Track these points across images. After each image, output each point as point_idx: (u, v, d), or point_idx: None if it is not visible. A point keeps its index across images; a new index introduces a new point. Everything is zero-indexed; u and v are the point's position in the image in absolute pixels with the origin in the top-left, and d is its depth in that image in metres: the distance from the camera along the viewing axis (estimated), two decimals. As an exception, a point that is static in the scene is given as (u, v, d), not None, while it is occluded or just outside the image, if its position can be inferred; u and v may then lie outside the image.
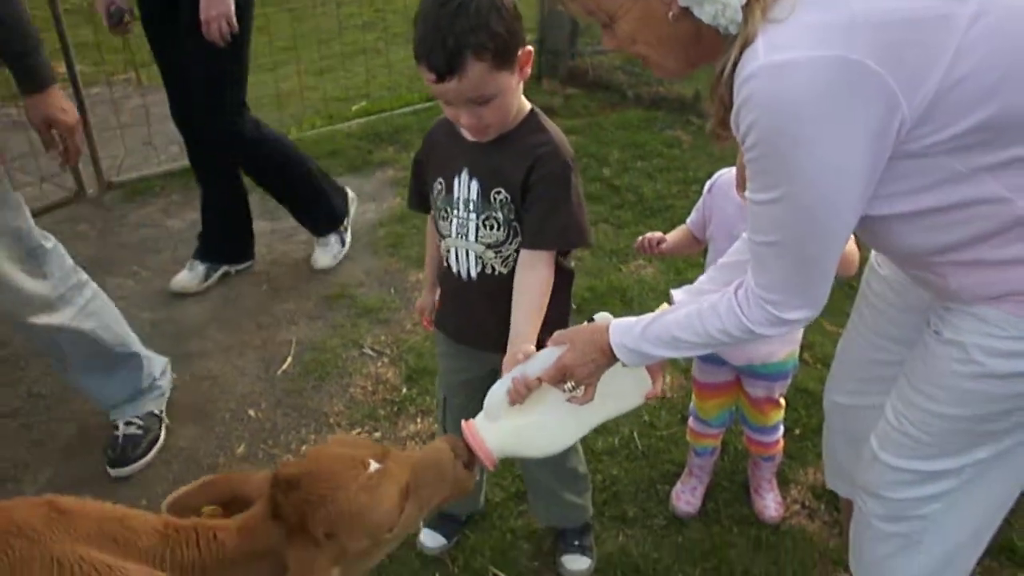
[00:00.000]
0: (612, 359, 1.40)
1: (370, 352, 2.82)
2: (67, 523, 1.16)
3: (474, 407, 1.49)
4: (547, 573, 2.06)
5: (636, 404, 1.54)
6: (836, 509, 2.17)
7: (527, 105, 1.61)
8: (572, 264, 1.76)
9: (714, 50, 1.17)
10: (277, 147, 3.12)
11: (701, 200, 2.01)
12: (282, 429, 2.52)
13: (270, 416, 2.57)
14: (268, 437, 2.49)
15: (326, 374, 2.73)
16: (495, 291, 1.65)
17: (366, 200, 3.81)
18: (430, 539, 2.11)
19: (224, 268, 3.22)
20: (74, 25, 3.59)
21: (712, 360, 2.07)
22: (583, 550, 2.05)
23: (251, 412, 2.59)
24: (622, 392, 1.51)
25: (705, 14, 1.11)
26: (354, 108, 4.72)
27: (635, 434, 2.44)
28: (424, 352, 2.79)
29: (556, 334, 1.48)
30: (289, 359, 2.81)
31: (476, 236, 1.65)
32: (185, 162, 3.57)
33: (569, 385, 1.45)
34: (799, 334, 2.04)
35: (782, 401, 2.13)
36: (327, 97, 4.82)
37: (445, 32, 1.38)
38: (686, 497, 2.21)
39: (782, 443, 2.19)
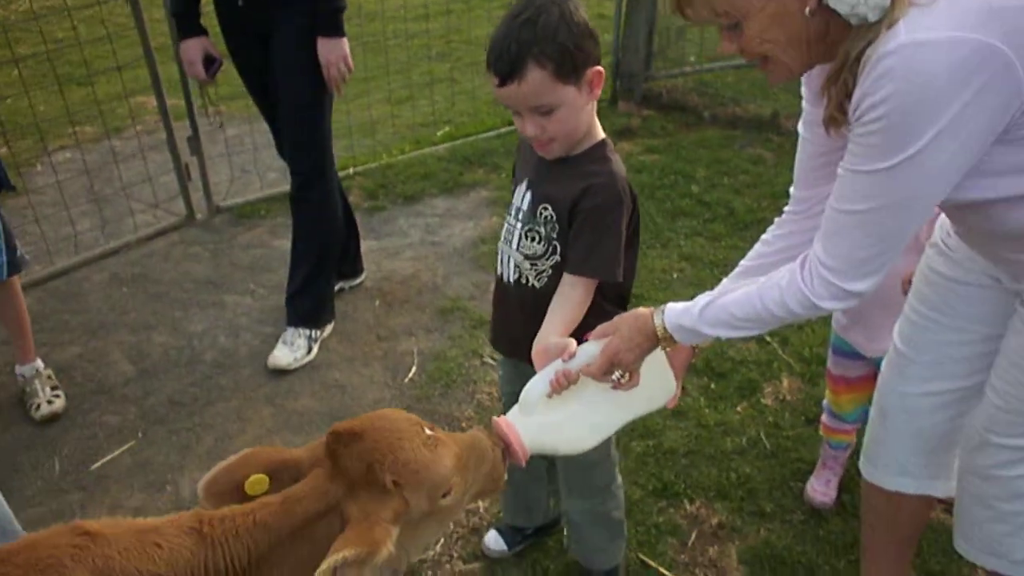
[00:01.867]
0: (656, 343, 1.45)
1: (491, 361, 2.92)
2: (98, 548, 1.10)
3: None
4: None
5: (660, 405, 1.61)
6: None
7: (600, 134, 1.65)
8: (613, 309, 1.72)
9: (835, 46, 1.22)
10: (336, 213, 3.10)
11: None
12: (416, 433, 2.62)
13: (403, 421, 2.68)
14: (404, 440, 2.59)
15: (452, 382, 2.84)
16: (528, 302, 1.71)
17: (463, 219, 3.95)
18: (493, 542, 2.18)
19: (339, 285, 3.35)
20: (162, 62, 3.80)
21: (846, 353, 2.12)
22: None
23: (385, 417, 2.70)
24: (649, 394, 1.58)
25: (844, 5, 1.15)
26: (439, 133, 4.87)
27: (762, 434, 2.51)
28: (543, 360, 2.88)
29: (599, 327, 1.52)
30: (414, 368, 2.92)
31: (518, 245, 1.71)
32: (285, 187, 3.73)
33: (617, 374, 1.50)
34: None
35: None
36: (413, 123, 4.99)
37: (511, 39, 1.47)
38: (821, 489, 2.27)
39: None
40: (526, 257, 1.70)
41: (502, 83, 1.50)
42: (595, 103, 1.61)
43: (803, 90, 1.47)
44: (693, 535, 2.20)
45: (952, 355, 1.60)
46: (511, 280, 1.74)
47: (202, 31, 2.85)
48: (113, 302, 3.40)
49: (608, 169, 1.62)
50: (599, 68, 1.56)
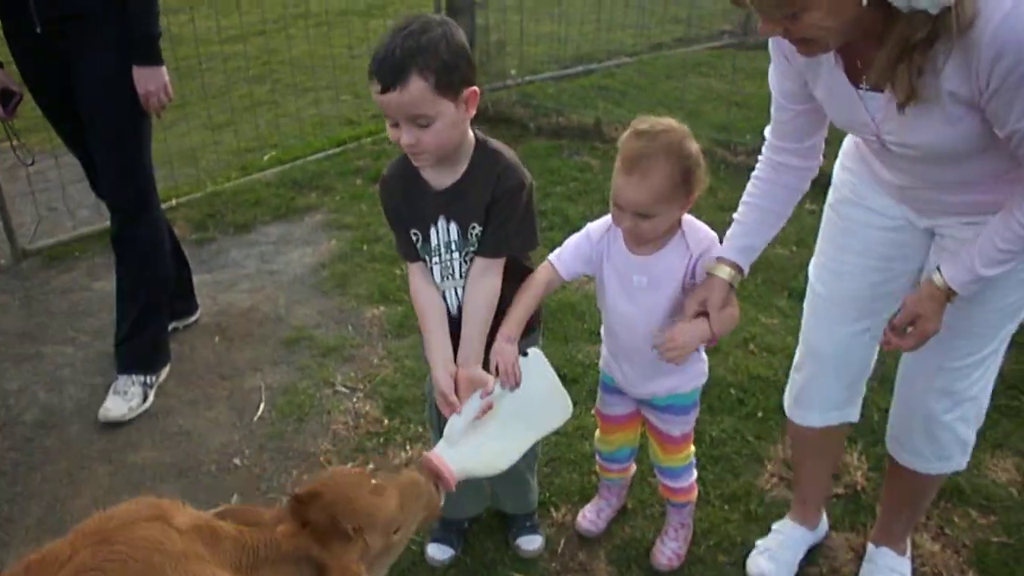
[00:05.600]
0: (947, 299, 1.62)
1: (343, 389, 2.85)
2: (187, 539, 1.27)
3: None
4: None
5: (561, 422, 1.86)
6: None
7: (473, 136, 1.77)
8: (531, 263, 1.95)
9: (871, 28, 1.37)
10: (165, 248, 2.93)
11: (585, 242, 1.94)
12: (272, 473, 2.52)
13: (257, 462, 2.56)
14: (260, 483, 2.48)
15: (304, 415, 2.74)
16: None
17: (300, 245, 3.84)
18: (439, 552, 2.19)
19: (172, 325, 3.16)
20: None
21: (611, 390, 2.07)
22: (535, 529, 2.24)
23: (236, 461, 2.57)
24: (549, 413, 1.84)
25: (902, 2, 1.28)
26: (266, 158, 4.71)
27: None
28: (398, 384, 2.85)
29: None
30: (262, 405, 2.80)
31: (463, 273, 1.80)
32: (102, 224, 3.48)
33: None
34: (704, 367, 2.00)
35: (691, 442, 2.09)
36: (237, 149, 4.79)
37: (395, 48, 1.56)
38: (591, 518, 2.26)
39: (696, 490, 2.16)
40: None
41: (384, 90, 1.57)
42: (469, 121, 1.71)
43: (775, 59, 1.67)
44: (562, 542, 2.24)
45: (877, 293, 1.84)
46: (458, 312, 1.83)
47: None
48: (-93, 366, 3.05)
49: (504, 159, 1.76)
50: (475, 88, 1.66)
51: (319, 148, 4.83)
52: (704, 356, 1.99)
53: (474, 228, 1.75)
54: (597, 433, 2.21)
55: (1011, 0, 1.28)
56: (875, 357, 1.96)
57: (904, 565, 2.10)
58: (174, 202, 4.15)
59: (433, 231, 1.78)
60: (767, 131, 1.81)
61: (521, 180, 1.75)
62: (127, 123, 2.65)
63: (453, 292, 1.83)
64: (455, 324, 1.83)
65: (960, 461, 1.91)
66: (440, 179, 1.77)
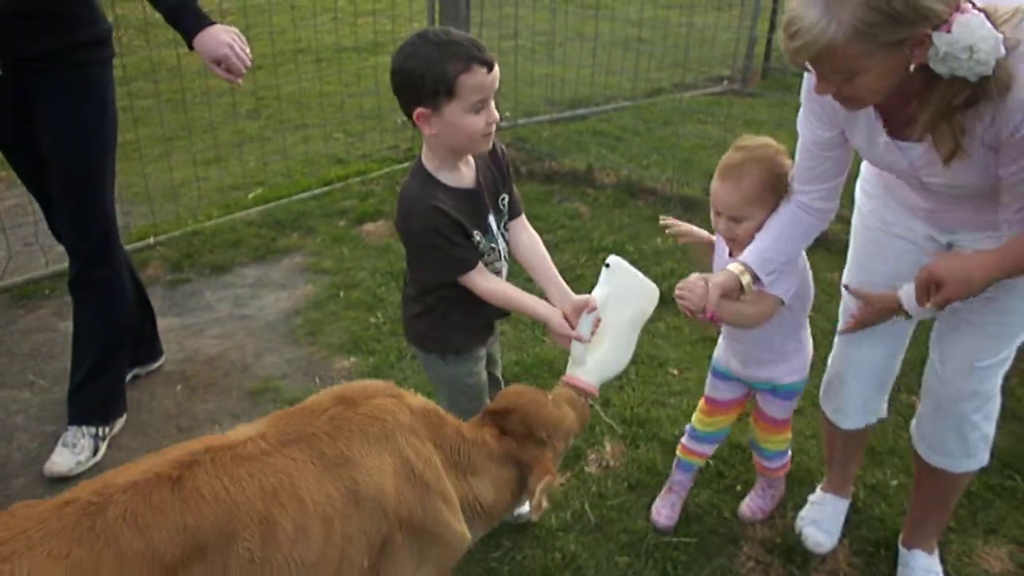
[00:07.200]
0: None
1: (304, 446, 2.72)
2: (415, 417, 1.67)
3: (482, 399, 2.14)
4: None
5: (654, 306, 2.06)
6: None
7: None
8: None
9: (907, 87, 1.52)
10: (126, 295, 2.79)
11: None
12: (220, 537, 2.38)
13: (205, 525, 2.42)
14: (206, 548, 2.34)
15: (260, 474, 2.61)
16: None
17: (276, 289, 3.73)
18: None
19: (134, 371, 3.05)
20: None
21: (722, 376, 2.31)
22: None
23: (184, 522, 2.43)
24: (642, 304, 2.05)
25: (944, 68, 1.44)
26: (251, 196, 4.62)
27: (586, 506, 2.46)
28: (361, 441, 2.72)
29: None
30: (218, 461, 2.67)
31: (505, 242, 2.08)
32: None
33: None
34: (802, 365, 2.21)
35: (790, 427, 2.35)
36: (222, 186, 4.71)
37: (470, 40, 1.81)
38: (666, 512, 2.39)
39: (788, 466, 2.43)
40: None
41: (491, 68, 1.81)
42: None
43: (810, 109, 1.81)
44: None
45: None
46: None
47: None
48: None
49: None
50: None
51: (305, 187, 4.74)
52: (803, 357, 2.20)
53: (504, 199, 2.05)
54: (696, 415, 2.39)
55: None
56: (900, 359, 2.14)
57: (936, 564, 2.22)
58: (152, 240, 4.06)
59: (491, 219, 2.01)
60: (790, 177, 1.96)
61: (502, 145, 2.08)
62: (88, 167, 2.55)
63: (504, 263, 2.09)
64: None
65: (984, 457, 2.04)
66: (465, 178, 1.97)
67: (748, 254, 1.93)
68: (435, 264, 1.95)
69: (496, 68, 1.83)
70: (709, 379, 2.36)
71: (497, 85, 1.84)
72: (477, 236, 1.96)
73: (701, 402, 2.39)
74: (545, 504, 1.79)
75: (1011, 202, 1.61)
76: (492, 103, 1.85)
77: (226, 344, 3.32)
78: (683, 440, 2.43)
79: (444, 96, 1.78)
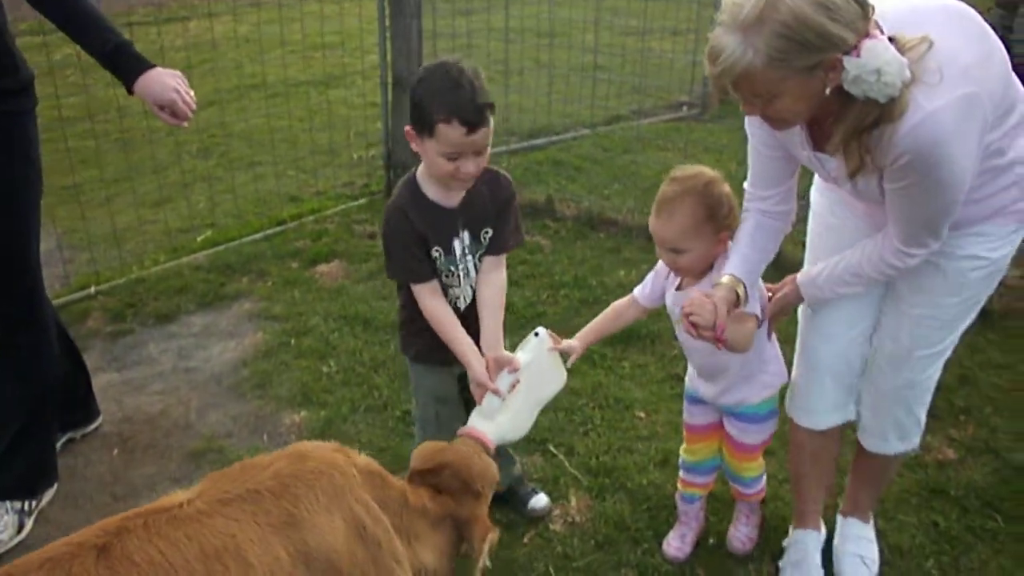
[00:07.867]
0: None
1: (249, 512, 2.55)
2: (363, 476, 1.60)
3: (454, 412, 2.21)
4: None
5: (560, 388, 2.13)
6: None
7: None
8: None
9: (828, 107, 1.60)
10: (53, 357, 2.60)
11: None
12: (156, 620, 2.19)
13: (139, 606, 2.24)
14: (140, 632, 2.16)
15: (201, 545, 2.43)
16: (474, 313, 2.10)
17: (223, 338, 3.56)
18: (540, 501, 2.50)
19: (68, 435, 2.85)
20: None
21: (695, 400, 2.29)
22: (535, 491, 2.52)
23: (116, 604, 2.24)
24: (553, 383, 2.12)
25: (858, 90, 1.52)
26: (199, 239, 4.45)
27: (551, 568, 2.31)
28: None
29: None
30: (155, 533, 2.48)
31: (475, 272, 2.09)
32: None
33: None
34: (772, 380, 2.20)
35: (761, 453, 2.31)
36: (169, 229, 4.52)
37: (473, 94, 1.83)
38: (676, 544, 2.35)
39: (764, 491, 2.39)
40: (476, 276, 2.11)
41: (471, 131, 1.84)
42: None
43: (752, 120, 1.87)
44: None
45: (871, 297, 2.03)
46: (466, 309, 2.11)
47: None
48: None
49: (495, 172, 2.08)
50: None
51: (257, 228, 4.57)
52: (775, 369, 2.17)
53: (487, 232, 2.06)
54: (683, 446, 2.38)
55: (935, 103, 1.53)
56: (867, 356, 2.12)
57: (870, 531, 2.34)
58: (92, 290, 3.86)
59: (456, 242, 2.03)
60: (746, 184, 2.01)
61: (512, 188, 2.10)
62: (11, 230, 2.37)
63: (463, 296, 2.10)
64: (463, 319, 2.07)
65: (916, 441, 2.15)
66: (450, 198, 2.02)
67: (732, 266, 1.96)
68: (389, 263, 2.10)
69: (483, 129, 1.85)
70: (685, 405, 2.35)
71: (484, 143, 1.88)
72: (436, 253, 2.03)
73: (684, 430, 2.38)
74: (487, 563, 1.75)
75: (889, 212, 1.77)
76: (474, 159, 1.89)
77: (168, 400, 3.13)
78: (680, 471, 2.40)
79: (426, 131, 1.89)
